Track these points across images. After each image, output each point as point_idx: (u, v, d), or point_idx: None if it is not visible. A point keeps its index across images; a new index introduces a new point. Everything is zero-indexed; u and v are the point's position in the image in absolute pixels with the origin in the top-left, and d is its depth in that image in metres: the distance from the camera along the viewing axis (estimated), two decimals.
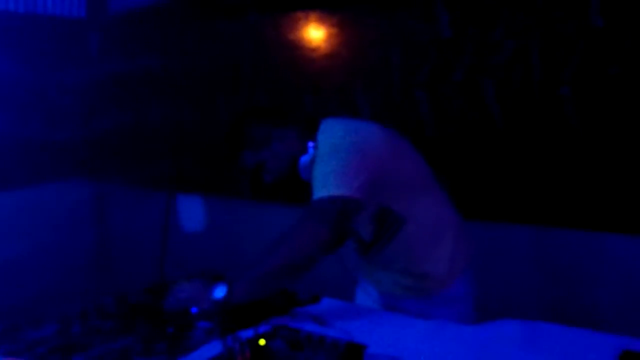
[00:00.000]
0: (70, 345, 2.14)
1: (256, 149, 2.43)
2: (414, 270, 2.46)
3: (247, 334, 1.94)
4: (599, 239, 3.15)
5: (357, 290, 2.81)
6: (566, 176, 3.13)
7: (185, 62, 4.61)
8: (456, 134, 3.39)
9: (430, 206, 2.45)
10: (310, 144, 2.36)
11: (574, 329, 2.12)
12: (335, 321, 2.20)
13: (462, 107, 3.35)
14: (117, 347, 2.12)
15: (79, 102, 5.21)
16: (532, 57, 3.15)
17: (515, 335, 2.09)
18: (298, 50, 3.96)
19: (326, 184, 2.18)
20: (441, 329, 2.18)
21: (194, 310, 2.29)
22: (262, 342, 1.87)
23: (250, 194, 4.34)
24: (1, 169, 4.54)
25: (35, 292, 4.34)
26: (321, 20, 3.85)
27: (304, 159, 2.38)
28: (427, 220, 2.43)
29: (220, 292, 2.16)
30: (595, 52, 2.97)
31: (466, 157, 3.38)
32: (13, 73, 4.64)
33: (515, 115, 3.22)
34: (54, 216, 4.99)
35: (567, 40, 3.06)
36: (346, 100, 3.79)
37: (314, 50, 3.89)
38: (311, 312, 2.31)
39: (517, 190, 3.28)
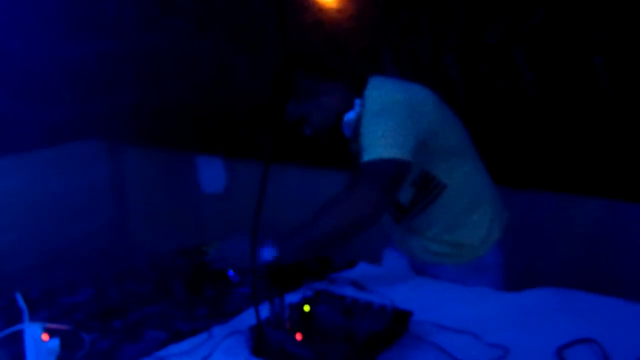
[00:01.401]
0: (108, 311, 2.14)
1: (302, 100, 2.36)
2: (449, 237, 2.44)
3: (290, 298, 1.93)
4: (627, 208, 3.12)
5: (384, 253, 2.77)
6: (597, 145, 3.09)
7: (205, 23, 4.55)
8: (486, 99, 3.34)
9: (470, 173, 2.43)
10: (357, 101, 2.30)
11: (610, 298, 2.12)
12: (373, 286, 2.20)
13: (492, 73, 3.30)
14: (157, 312, 2.11)
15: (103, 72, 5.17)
16: (566, 23, 3.10)
17: (554, 302, 2.10)
18: (323, 11, 3.90)
19: (377, 144, 2.13)
20: (480, 295, 2.19)
21: (231, 274, 2.29)
22: (306, 307, 1.86)
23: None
24: (24, 131, 4.51)
25: (58, 252, 4.35)
26: None
27: (349, 116, 2.31)
28: (467, 188, 2.41)
29: (269, 253, 2.13)
30: (630, 20, 2.92)
31: (495, 124, 3.33)
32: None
33: (547, 82, 3.17)
34: (73, 177, 4.98)
35: (600, 6, 3.01)
36: (373, 63, 3.73)
37: (340, 11, 3.83)
38: (349, 277, 2.31)
39: (546, 158, 3.25)
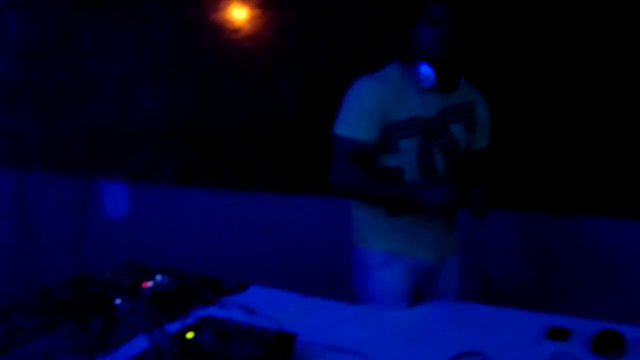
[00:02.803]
0: None
1: None
2: None
3: (173, 327, 1.90)
4: (574, 222, 3.20)
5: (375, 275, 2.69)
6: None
7: (105, 46, 4.49)
8: None
9: None
10: None
11: (502, 309, 2.16)
12: (264, 309, 2.18)
13: None
14: (41, 347, 2.05)
15: None
16: None
17: (445, 316, 2.13)
18: (220, 32, 3.89)
19: None
20: (372, 313, 2.19)
21: (118, 302, 2.24)
22: (190, 335, 1.83)
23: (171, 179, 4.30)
24: None
25: None
26: (244, 1, 3.78)
27: None
28: None
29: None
30: None
31: None
32: None
33: None
34: None
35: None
36: (269, 83, 3.73)
37: (236, 31, 3.82)
38: (239, 301, 2.28)
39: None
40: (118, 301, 2.24)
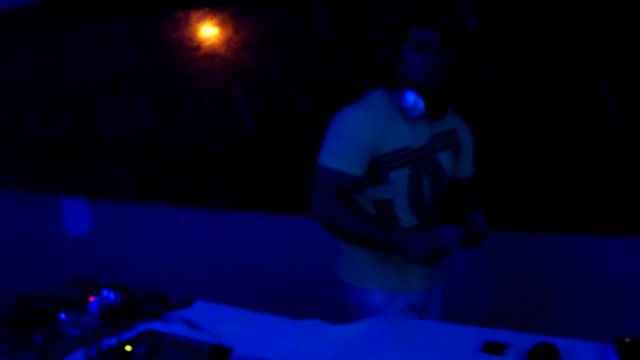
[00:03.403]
0: None
1: None
2: None
3: (115, 341, 1.92)
4: (556, 240, 3.17)
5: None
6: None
7: (64, 62, 4.51)
8: None
9: None
10: None
11: (440, 323, 2.19)
12: (207, 324, 2.19)
13: (340, 107, 3.37)
14: None
15: None
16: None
17: (383, 332, 2.13)
18: (179, 50, 3.93)
19: None
20: (312, 327, 2.20)
21: (62, 316, 2.25)
22: (128, 348, 1.85)
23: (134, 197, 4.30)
24: None
25: None
26: (202, 20, 3.83)
27: None
28: None
29: None
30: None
31: None
32: None
33: None
34: None
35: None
36: (227, 101, 3.78)
37: (194, 50, 3.87)
38: (184, 316, 2.30)
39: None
40: (63, 316, 2.25)
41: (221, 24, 3.76)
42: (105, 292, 2.21)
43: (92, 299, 2.31)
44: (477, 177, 2.71)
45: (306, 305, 3.46)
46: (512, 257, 3.29)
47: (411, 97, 2.31)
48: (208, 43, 3.81)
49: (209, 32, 3.81)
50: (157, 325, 2.15)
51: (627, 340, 1.83)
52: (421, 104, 2.31)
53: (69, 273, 4.36)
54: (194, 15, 3.87)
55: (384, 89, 2.45)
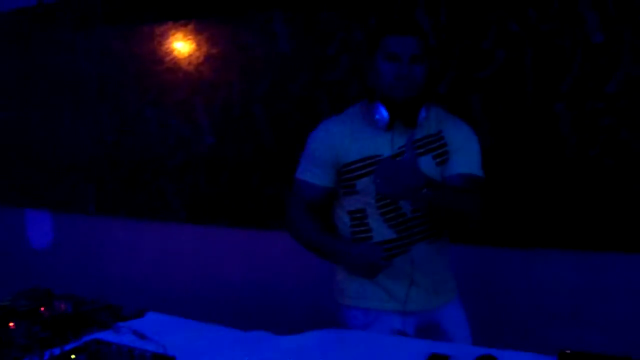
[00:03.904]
0: None
1: None
2: None
3: (57, 350, 1.93)
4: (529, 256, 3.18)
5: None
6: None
7: (28, 73, 4.51)
8: (292, 142, 3.45)
9: None
10: None
11: (386, 336, 2.21)
12: (157, 335, 2.20)
13: (299, 122, 3.41)
14: None
15: None
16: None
17: (328, 343, 2.14)
18: (142, 64, 3.95)
19: None
20: (257, 338, 2.22)
21: (12, 325, 2.26)
22: (72, 357, 1.86)
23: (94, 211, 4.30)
24: None
25: None
26: (165, 35, 3.85)
27: None
28: None
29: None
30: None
31: None
32: None
33: None
34: None
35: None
36: (187, 115, 3.80)
37: (157, 64, 3.89)
38: (134, 327, 2.31)
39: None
40: (12, 325, 2.26)
41: (184, 38, 3.79)
42: (57, 302, 2.22)
43: (42, 309, 2.33)
44: (481, 186, 2.42)
45: (262, 317, 3.50)
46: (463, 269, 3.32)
47: (377, 109, 2.29)
48: (170, 57, 3.84)
49: (171, 46, 3.84)
50: (105, 335, 2.16)
51: (569, 352, 1.86)
52: (385, 116, 2.28)
53: (29, 285, 4.36)
54: (158, 29, 3.89)
55: (365, 100, 2.41)
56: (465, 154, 2.40)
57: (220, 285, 3.86)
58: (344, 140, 2.36)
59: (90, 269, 4.37)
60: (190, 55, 3.77)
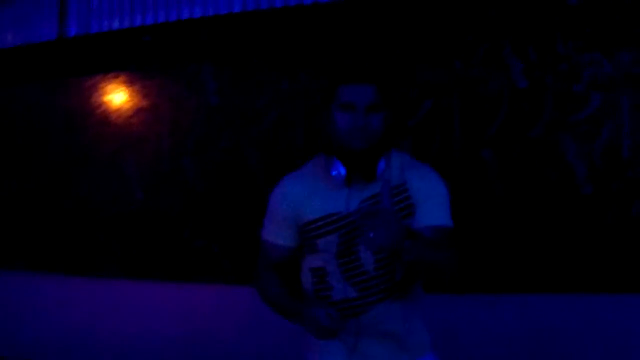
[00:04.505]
0: None
1: None
2: None
3: None
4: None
5: None
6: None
7: None
8: (222, 194, 3.47)
9: None
10: None
11: None
12: None
13: (228, 175, 3.40)
14: None
15: None
16: (296, 126, 3.29)
17: None
18: (72, 117, 3.91)
19: None
20: None
21: None
22: None
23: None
24: None
25: None
26: (94, 87, 3.82)
27: None
28: None
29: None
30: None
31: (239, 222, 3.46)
32: None
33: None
34: None
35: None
36: (117, 168, 3.77)
37: (87, 116, 3.85)
38: None
39: None
40: None
41: (113, 90, 3.76)
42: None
43: None
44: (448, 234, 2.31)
45: None
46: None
47: (332, 165, 2.18)
48: (101, 110, 3.80)
49: (101, 98, 3.81)
50: None
51: None
52: (342, 172, 2.17)
53: None
54: (87, 82, 3.86)
55: (322, 154, 2.28)
56: (433, 205, 2.27)
57: (152, 341, 3.79)
58: (302, 198, 2.27)
59: (18, 328, 4.26)
60: (120, 108, 3.74)
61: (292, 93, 3.32)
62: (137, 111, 3.69)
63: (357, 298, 2.24)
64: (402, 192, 2.26)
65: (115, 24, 3.81)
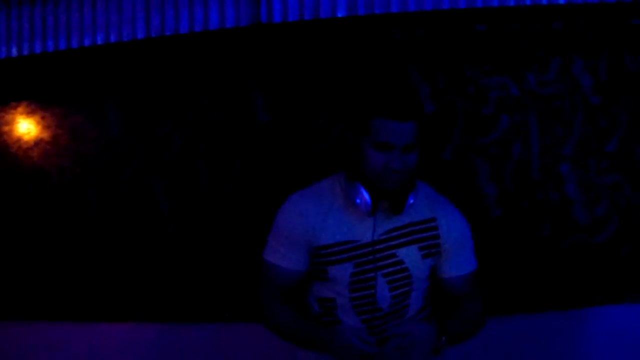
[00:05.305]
0: None
1: None
2: None
3: None
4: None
5: None
6: None
7: None
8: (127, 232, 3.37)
9: None
10: None
11: None
12: None
13: (132, 206, 3.35)
14: None
15: None
16: (200, 154, 3.25)
17: None
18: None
19: None
20: None
21: None
22: None
23: None
24: None
25: None
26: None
27: None
28: None
29: None
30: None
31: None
32: None
33: (185, 213, 3.29)
34: None
35: (235, 136, 3.20)
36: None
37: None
38: None
39: None
40: None
41: (12, 122, 3.59)
42: None
43: None
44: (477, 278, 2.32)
45: None
46: None
47: (356, 192, 2.06)
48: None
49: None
50: None
51: None
52: (367, 201, 2.05)
53: None
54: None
55: (343, 174, 2.18)
56: (464, 253, 2.27)
57: None
58: (318, 220, 2.14)
59: None
60: (19, 140, 3.57)
61: (196, 120, 3.29)
62: (37, 143, 3.53)
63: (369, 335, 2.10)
64: (431, 228, 2.21)
65: (14, 51, 3.64)
